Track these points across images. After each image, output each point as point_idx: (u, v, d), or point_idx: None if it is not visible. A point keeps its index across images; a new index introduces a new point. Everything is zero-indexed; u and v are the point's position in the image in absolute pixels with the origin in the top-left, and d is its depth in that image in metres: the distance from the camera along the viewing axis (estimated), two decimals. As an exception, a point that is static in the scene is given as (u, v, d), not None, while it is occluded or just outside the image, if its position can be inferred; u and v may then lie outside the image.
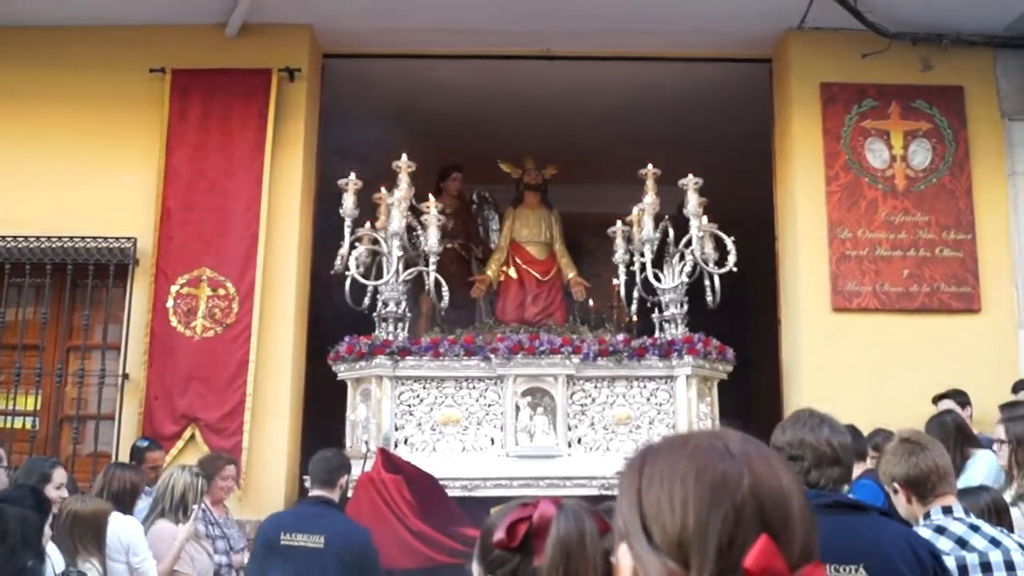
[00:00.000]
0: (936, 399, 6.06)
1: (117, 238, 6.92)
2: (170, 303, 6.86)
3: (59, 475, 4.59)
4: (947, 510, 3.25)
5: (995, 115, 7.02)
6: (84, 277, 6.94)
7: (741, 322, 7.21)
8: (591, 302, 8.54)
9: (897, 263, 6.80)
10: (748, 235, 6.82)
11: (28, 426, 6.91)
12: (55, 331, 7.04)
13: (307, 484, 6.38)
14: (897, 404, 6.16)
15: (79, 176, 7.04)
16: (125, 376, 6.83)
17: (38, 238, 6.89)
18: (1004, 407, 6.04)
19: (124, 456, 6.35)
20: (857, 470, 5.32)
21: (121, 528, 4.62)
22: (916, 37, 6.89)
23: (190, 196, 6.99)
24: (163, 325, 6.85)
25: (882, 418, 5.88)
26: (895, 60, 6.91)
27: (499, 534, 1.93)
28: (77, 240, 6.89)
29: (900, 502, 3.39)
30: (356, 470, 6.35)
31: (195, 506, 5.20)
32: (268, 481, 6.73)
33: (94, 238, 6.90)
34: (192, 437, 6.74)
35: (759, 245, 7.31)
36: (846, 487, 3.10)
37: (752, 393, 7.36)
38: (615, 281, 9.47)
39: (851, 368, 6.66)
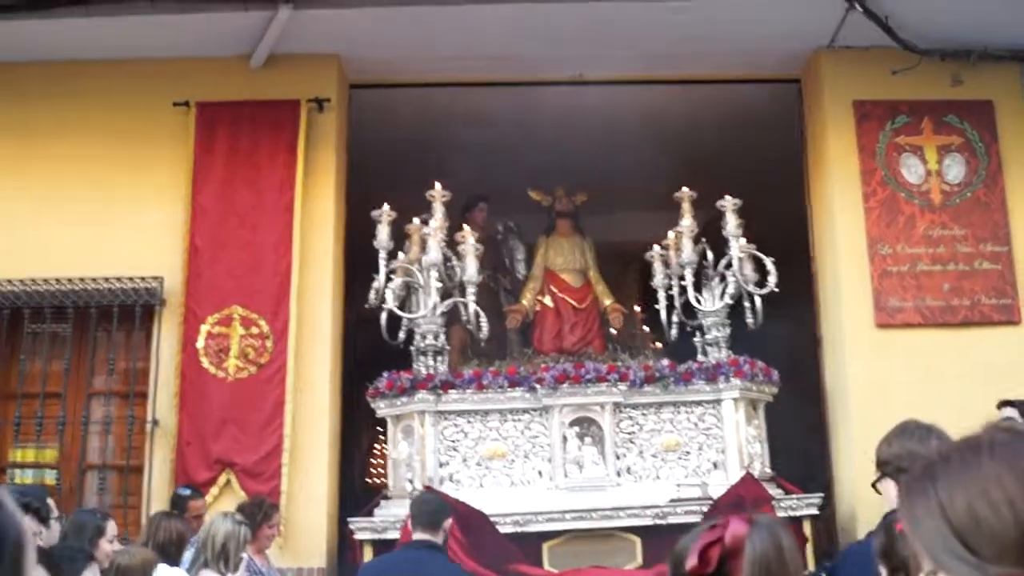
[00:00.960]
0: (1000, 405, 6.05)
1: (143, 278, 6.72)
2: (200, 343, 6.66)
3: (111, 528, 4.40)
4: None
5: (1025, 128, 7.10)
6: (108, 320, 6.71)
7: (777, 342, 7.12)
8: (612, 330, 8.45)
9: (938, 277, 6.81)
10: (776, 255, 6.78)
11: (51, 480, 6.62)
12: (78, 378, 6.78)
13: (352, 527, 6.24)
14: (946, 417, 6.09)
15: (101, 214, 6.89)
16: (155, 422, 6.60)
17: (59, 280, 6.67)
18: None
19: (157, 506, 6.14)
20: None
21: (168, 580, 4.44)
22: (945, 53, 6.96)
23: (219, 232, 6.82)
24: (194, 367, 6.64)
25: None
26: (925, 76, 6.97)
27: (691, 561, 1.85)
28: (101, 281, 6.69)
29: None
30: (404, 510, 6.20)
31: (243, 555, 5.01)
32: (309, 526, 6.53)
33: (118, 279, 6.72)
34: (228, 482, 6.51)
35: (789, 265, 7.26)
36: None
37: (790, 414, 7.26)
38: (636, 308, 9.45)
39: (897, 384, 6.64)
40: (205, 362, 6.65)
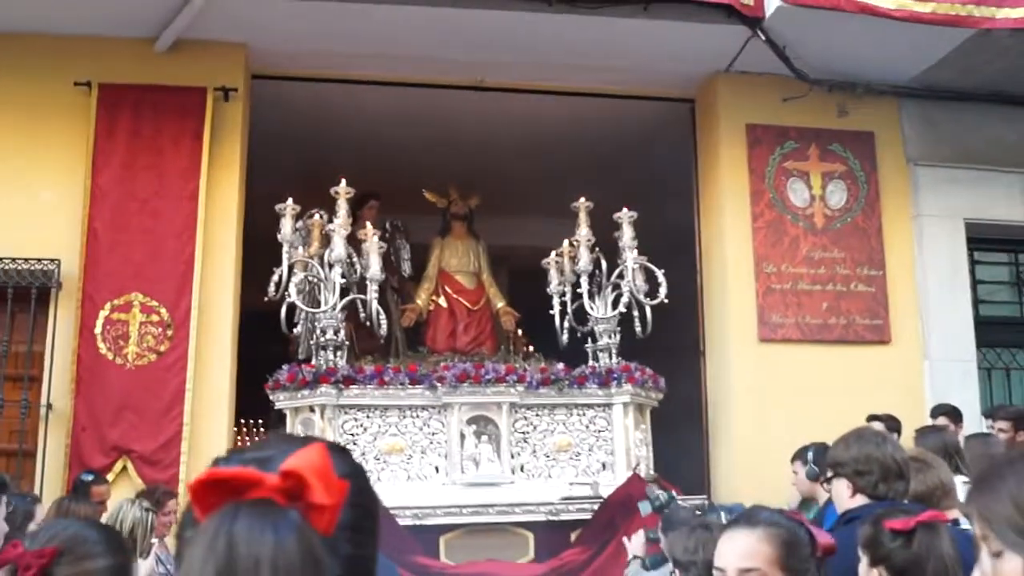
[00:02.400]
0: (869, 419, 6.56)
1: (39, 260, 6.58)
2: (98, 329, 6.59)
3: (40, 513, 4.41)
4: (954, 523, 3.61)
5: (901, 160, 7.67)
6: (2, 301, 6.56)
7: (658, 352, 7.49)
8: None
9: (817, 296, 7.31)
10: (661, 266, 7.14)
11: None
12: (-30, 359, 6.61)
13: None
14: (818, 427, 6.62)
15: (-6, 192, 6.67)
16: (49, 406, 6.50)
17: (-54, 259, 6.48)
18: (918, 431, 6.60)
19: (49, 491, 6.08)
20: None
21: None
22: (833, 84, 7.45)
23: (119, 217, 6.74)
24: (91, 352, 6.57)
25: (805, 440, 6.35)
26: (814, 105, 7.45)
27: None
28: (-8, 261, 6.52)
29: None
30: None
31: (153, 541, 5.06)
32: (204, 514, 6.53)
33: (13, 259, 6.55)
34: (124, 469, 6.47)
35: (674, 277, 7.61)
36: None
37: (671, 419, 7.64)
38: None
39: (776, 394, 7.11)
40: (103, 348, 6.58)
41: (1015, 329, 8.12)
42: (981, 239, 7.88)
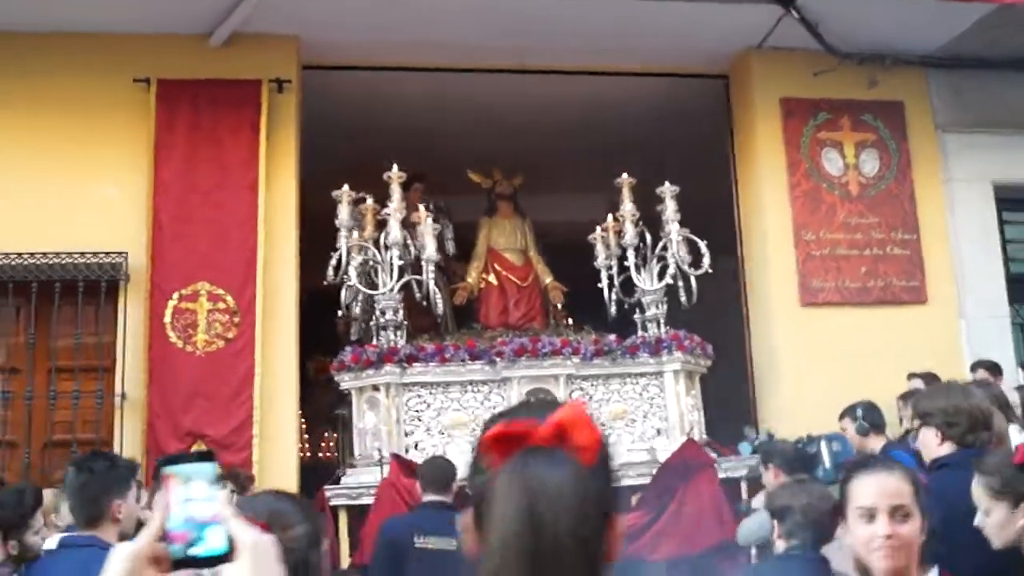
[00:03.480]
0: (909, 377, 6.81)
1: (107, 253, 6.71)
2: (168, 318, 6.72)
3: None
4: None
5: (930, 127, 7.87)
6: (73, 295, 6.68)
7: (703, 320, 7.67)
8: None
9: (855, 261, 7.50)
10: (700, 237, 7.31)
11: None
12: (43, 352, 6.73)
13: (327, 494, 6.47)
14: (861, 386, 6.87)
15: (60, 188, 6.80)
16: (123, 396, 6.64)
17: (20, 255, 6.59)
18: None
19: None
20: (878, 443, 5.96)
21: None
22: (863, 57, 7.60)
23: (183, 208, 6.86)
24: (161, 341, 6.70)
25: (849, 399, 6.57)
26: (845, 77, 7.62)
27: None
28: (64, 256, 6.64)
29: None
30: (372, 477, 6.49)
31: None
32: (279, 494, 6.68)
33: (82, 253, 6.67)
34: (199, 454, 6.60)
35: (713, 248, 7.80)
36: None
37: (717, 384, 7.84)
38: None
39: (819, 356, 7.30)
40: (173, 336, 6.71)
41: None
42: (1009, 199, 8.07)
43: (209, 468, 1.23)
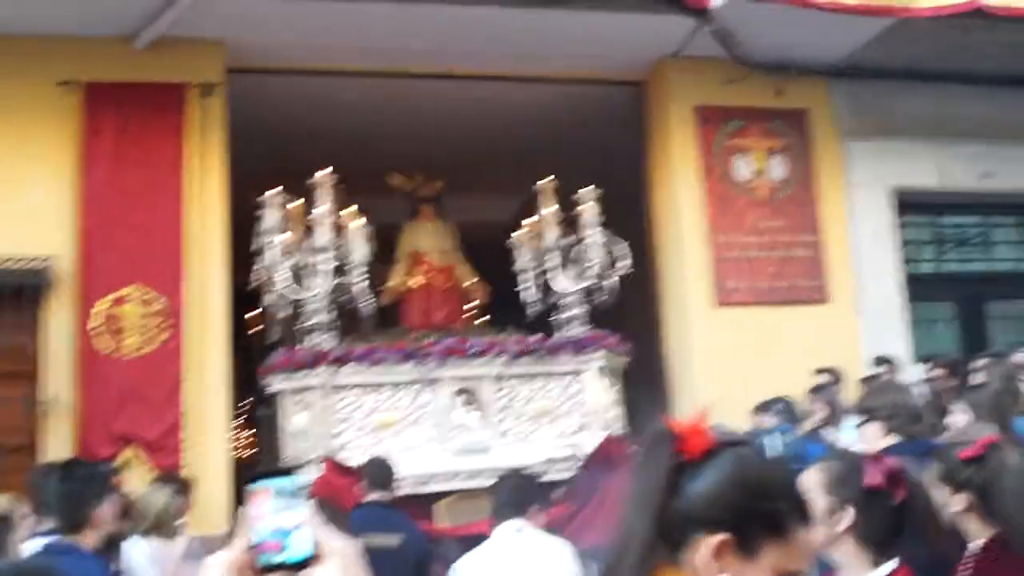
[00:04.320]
0: (818, 371, 7.16)
1: (32, 259, 6.56)
2: (97, 323, 6.62)
3: None
4: None
5: (833, 135, 8.21)
6: (-3, 301, 6.53)
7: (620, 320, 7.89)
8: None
9: (764, 262, 7.82)
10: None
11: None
12: (-36, 360, 6.57)
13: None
14: (771, 381, 7.21)
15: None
16: (49, 402, 6.51)
17: (-65, 261, 6.41)
18: (863, 380, 7.22)
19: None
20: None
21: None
22: (771, 67, 7.89)
23: (111, 212, 6.76)
24: (89, 346, 6.60)
25: (762, 393, 6.90)
26: (755, 86, 7.90)
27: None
28: (-14, 262, 6.48)
29: None
30: (303, 478, 6.51)
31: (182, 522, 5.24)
32: (210, 496, 6.64)
33: (6, 259, 6.51)
34: (131, 458, 6.55)
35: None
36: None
37: (635, 381, 8.07)
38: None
39: (733, 353, 7.58)
40: (101, 341, 6.62)
41: (937, 285, 8.86)
42: (907, 204, 8.48)
43: (291, 481, 1.30)
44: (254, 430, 12.58)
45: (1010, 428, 4.22)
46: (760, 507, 1.37)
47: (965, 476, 2.76)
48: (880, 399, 4.29)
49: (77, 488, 3.32)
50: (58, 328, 6.61)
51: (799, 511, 1.41)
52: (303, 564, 1.28)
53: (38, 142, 6.77)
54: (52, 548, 2.95)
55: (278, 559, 1.27)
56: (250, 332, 10.18)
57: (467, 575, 4.07)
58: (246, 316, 10.06)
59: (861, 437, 4.30)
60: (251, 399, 10.50)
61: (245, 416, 11.84)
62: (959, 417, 5.46)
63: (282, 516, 1.29)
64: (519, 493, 4.33)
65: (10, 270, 6.53)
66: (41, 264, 6.60)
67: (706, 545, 1.32)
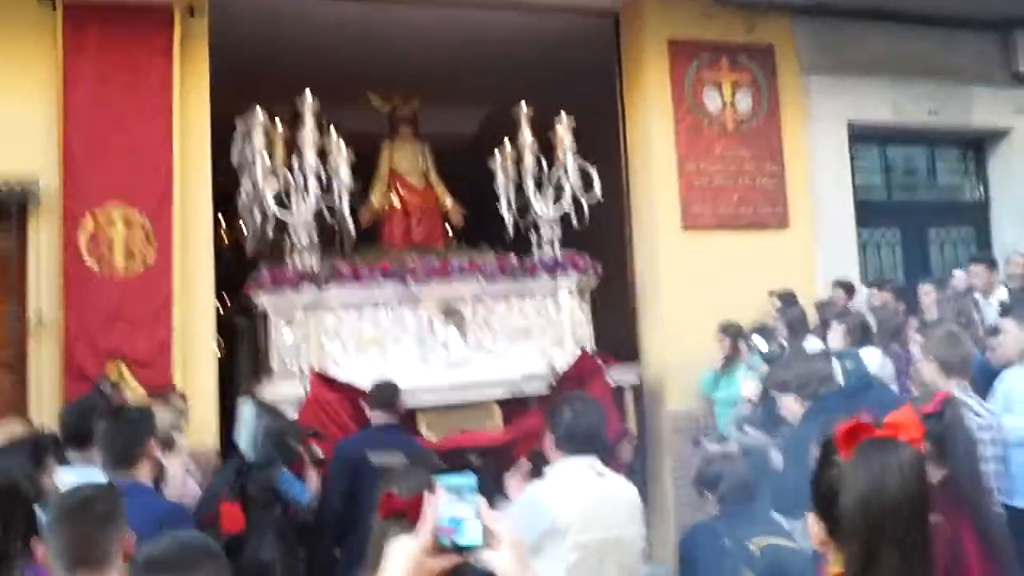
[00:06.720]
0: (771, 294, 7.28)
1: (18, 177, 6.28)
2: (83, 242, 6.37)
3: None
4: None
5: (796, 70, 8.19)
6: (-18, 218, 6.25)
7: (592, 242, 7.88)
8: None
9: (729, 190, 7.81)
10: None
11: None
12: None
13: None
14: (733, 301, 7.33)
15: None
16: (38, 318, 6.31)
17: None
18: (817, 304, 7.36)
19: (48, 400, 6.06)
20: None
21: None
22: (741, 3, 7.82)
23: (96, 132, 6.42)
24: (77, 265, 6.32)
25: (725, 312, 7.02)
26: (726, 22, 7.82)
27: None
28: (-30, 179, 6.18)
29: None
30: (291, 389, 6.47)
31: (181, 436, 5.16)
32: (199, 412, 6.52)
33: (-10, 176, 6.22)
34: (120, 375, 6.39)
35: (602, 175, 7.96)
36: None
37: (605, 300, 8.10)
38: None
39: (698, 274, 7.62)
40: (89, 260, 6.38)
41: (886, 211, 9.00)
42: (860, 136, 8.51)
43: (468, 479, 1.54)
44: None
45: (967, 367, 4.25)
46: None
47: (926, 428, 2.85)
48: (788, 372, 4.64)
49: (129, 428, 3.48)
50: (46, 246, 6.33)
51: None
52: (477, 548, 1.52)
53: (21, 60, 6.40)
54: (119, 487, 2.87)
55: (456, 541, 1.51)
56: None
57: (566, 516, 3.26)
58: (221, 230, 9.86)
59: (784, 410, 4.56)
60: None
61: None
62: (914, 348, 5.67)
63: (456, 507, 1.52)
64: (593, 430, 3.42)
65: (-3, 186, 6.25)
66: (28, 181, 6.31)
67: None
